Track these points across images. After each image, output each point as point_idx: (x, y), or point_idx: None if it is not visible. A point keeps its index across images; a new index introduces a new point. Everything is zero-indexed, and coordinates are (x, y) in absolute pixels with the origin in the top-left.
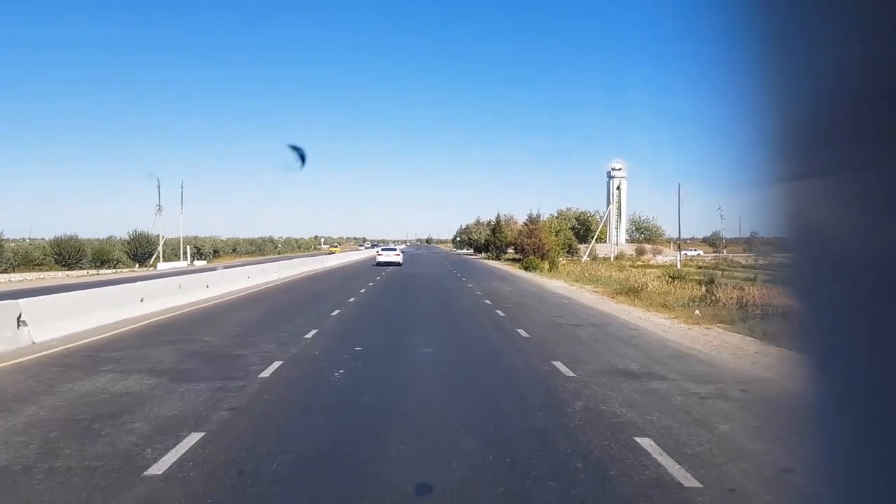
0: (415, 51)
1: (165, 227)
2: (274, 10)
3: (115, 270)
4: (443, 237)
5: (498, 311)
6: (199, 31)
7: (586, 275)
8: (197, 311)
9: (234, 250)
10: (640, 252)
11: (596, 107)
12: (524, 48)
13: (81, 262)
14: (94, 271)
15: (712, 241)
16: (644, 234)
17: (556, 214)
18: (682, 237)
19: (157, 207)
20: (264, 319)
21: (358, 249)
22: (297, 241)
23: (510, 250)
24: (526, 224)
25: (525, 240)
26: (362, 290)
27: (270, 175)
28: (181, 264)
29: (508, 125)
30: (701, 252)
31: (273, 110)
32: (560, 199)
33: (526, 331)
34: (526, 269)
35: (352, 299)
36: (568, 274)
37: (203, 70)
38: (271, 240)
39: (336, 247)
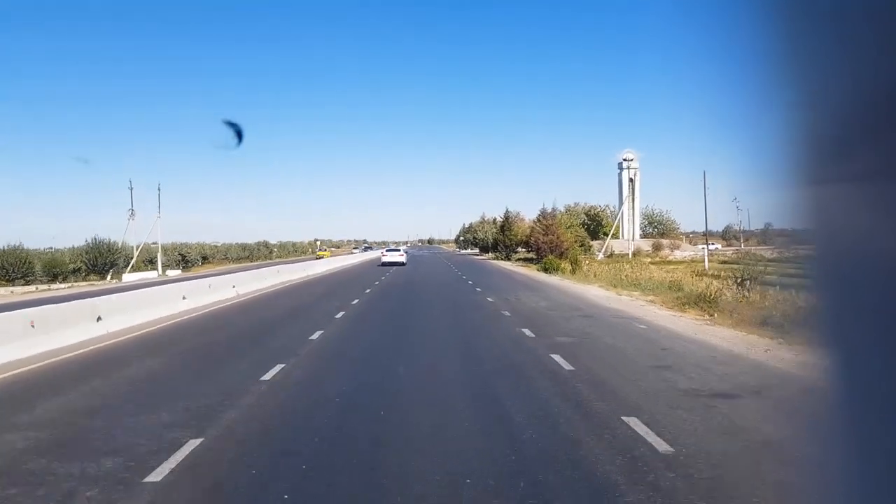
0: (410, 43)
1: (143, 234)
2: (274, 7)
3: (69, 285)
4: (444, 237)
5: (555, 358)
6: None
7: (622, 277)
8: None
9: (226, 256)
10: (657, 247)
11: (601, 97)
12: (524, 35)
13: (29, 275)
14: (46, 286)
15: (725, 235)
16: (657, 228)
17: (563, 210)
18: (695, 231)
19: (130, 212)
20: (111, 407)
21: (353, 252)
22: (294, 245)
23: (521, 249)
24: (539, 220)
25: (540, 237)
26: (339, 315)
27: (268, 178)
28: (151, 275)
29: (509, 119)
30: (719, 246)
31: (267, 110)
32: (566, 194)
33: (659, 437)
34: (545, 270)
35: (315, 335)
36: (597, 276)
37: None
38: (265, 244)
39: (325, 250)
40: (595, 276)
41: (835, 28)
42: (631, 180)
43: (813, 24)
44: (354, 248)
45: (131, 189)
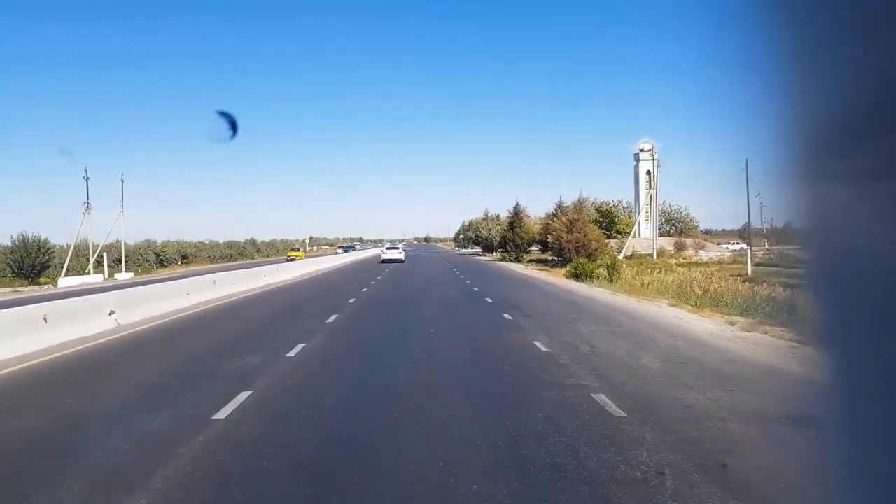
0: (408, 34)
1: (114, 230)
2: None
3: None
4: (442, 235)
5: None
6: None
7: (687, 289)
8: None
9: (210, 255)
10: (680, 247)
11: (609, 87)
12: (525, 21)
13: None
14: None
15: (743, 233)
16: (675, 225)
17: (569, 206)
18: (711, 229)
19: (86, 205)
20: None
21: (337, 253)
22: (285, 243)
23: (533, 249)
24: (557, 214)
25: (564, 235)
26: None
27: (261, 175)
28: (94, 279)
29: (511, 111)
30: (745, 245)
31: (259, 104)
32: (572, 189)
33: None
34: (576, 276)
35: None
36: (645, 285)
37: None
38: (253, 242)
39: (297, 251)
40: (643, 285)
41: (833, 28)
42: (648, 173)
43: (811, 24)
44: (339, 249)
45: (87, 179)
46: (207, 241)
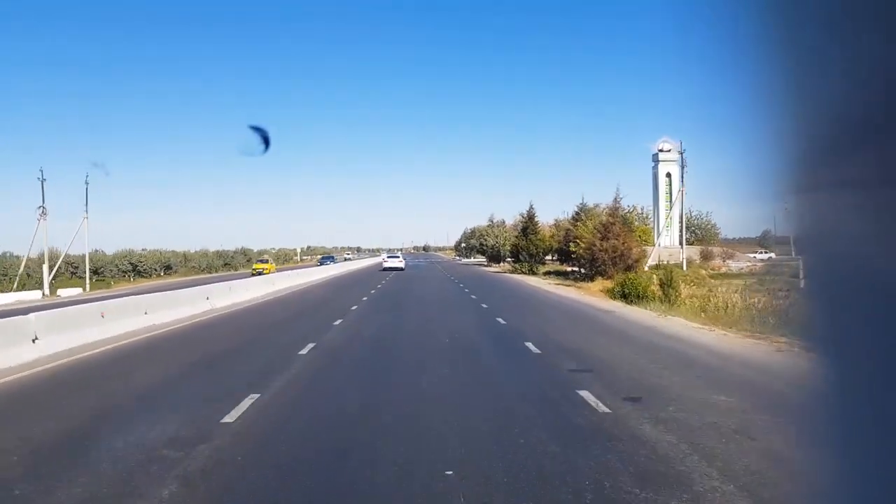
0: (408, 34)
1: (96, 238)
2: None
3: None
4: (441, 244)
5: None
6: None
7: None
8: None
9: (196, 265)
10: (707, 256)
11: (615, 87)
12: (526, 13)
13: None
14: None
15: (763, 241)
16: (696, 233)
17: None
18: (729, 238)
19: (41, 210)
20: None
21: (320, 265)
22: (278, 251)
23: (550, 259)
24: (577, 218)
25: (597, 243)
26: None
27: (258, 184)
28: (31, 296)
29: (513, 113)
30: (773, 255)
31: (257, 113)
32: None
33: None
34: (624, 297)
35: None
36: (724, 310)
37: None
38: (244, 252)
39: (266, 262)
40: (718, 308)
41: (827, 35)
42: (667, 175)
43: (804, 30)
44: (322, 260)
45: (42, 181)
46: (196, 251)
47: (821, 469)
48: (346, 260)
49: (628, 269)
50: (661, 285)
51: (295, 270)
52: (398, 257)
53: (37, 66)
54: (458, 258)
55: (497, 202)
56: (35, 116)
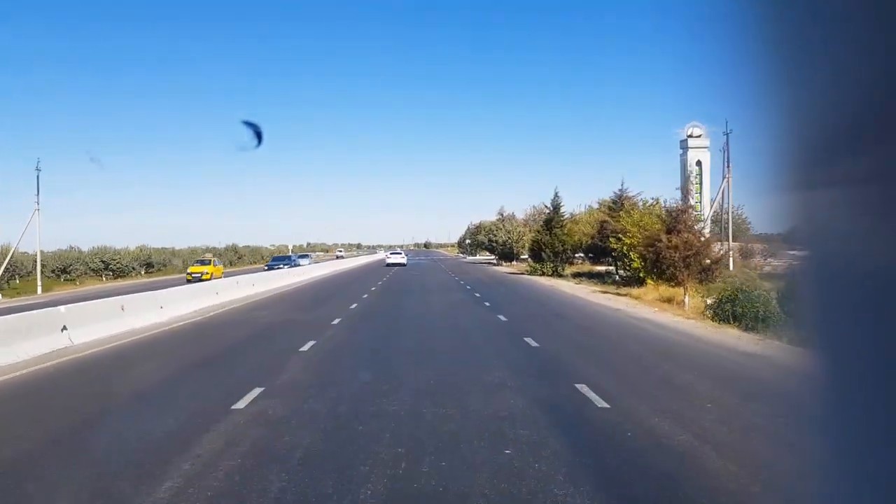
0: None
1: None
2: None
3: None
4: (442, 240)
5: None
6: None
7: None
8: None
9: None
10: (747, 254)
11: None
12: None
13: None
14: None
15: (787, 238)
16: (726, 228)
17: (595, 205)
18: (751, 233)
19: None
20: None
21: (268, 269)
22: (278, 249)
23: (579, 258)
24: (615, 208)
25: (664, 238)
26: None
27: (258, 179)
28: None
29: (514, 108)
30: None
31: (256, 108)
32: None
33: None
34: (732, 318)
35: None
36: None
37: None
38: (234, 249)
39: (206, 264)
40: None
41: (823, 34)
42: (698, 164)
43: (801, 30)
44: (285, 262)
45: None
46: (187, 248)
47: (814, 460)
48: (337, 258)
49: (705, 273)
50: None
51: (239, 277)
52: (400, 254)
53: (31, 62)
54: (461, 255)
55: (502, 197)
56: (31, 114)
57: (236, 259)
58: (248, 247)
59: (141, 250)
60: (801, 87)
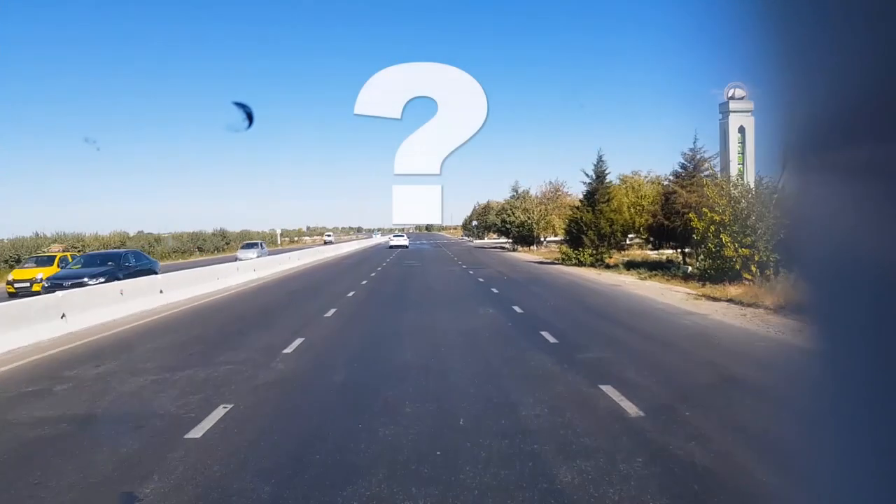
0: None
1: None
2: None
3: None
4: (445, 223)
5: None
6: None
7: None
8: None
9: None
10: None
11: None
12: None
13: None
14: None
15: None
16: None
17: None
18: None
19: None
20: None
21: (243, 258)
22: (270, 233)
23: (632, 238)
24: (684, 175)
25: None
26: None
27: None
28: None
29: (518, 79)
30: None
31: (258, 91)
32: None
33: None
34: None
35: None
36: None
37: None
38: (223, 234)
39: (47, 262)
40: None
41: (819, 27)
42: (740, 131)
43: (796, 22)
44: (241, 252)
45: None
46: (173, 233)
47: (813, 456)
48: (326, 243)
49: None
50: None
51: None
52: (402, 237)
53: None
54: (466, 238)
55: (514, 174)
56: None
57: (225, 244)
58: (234, 232)
59: (123, 237)
60: (802, 76)
